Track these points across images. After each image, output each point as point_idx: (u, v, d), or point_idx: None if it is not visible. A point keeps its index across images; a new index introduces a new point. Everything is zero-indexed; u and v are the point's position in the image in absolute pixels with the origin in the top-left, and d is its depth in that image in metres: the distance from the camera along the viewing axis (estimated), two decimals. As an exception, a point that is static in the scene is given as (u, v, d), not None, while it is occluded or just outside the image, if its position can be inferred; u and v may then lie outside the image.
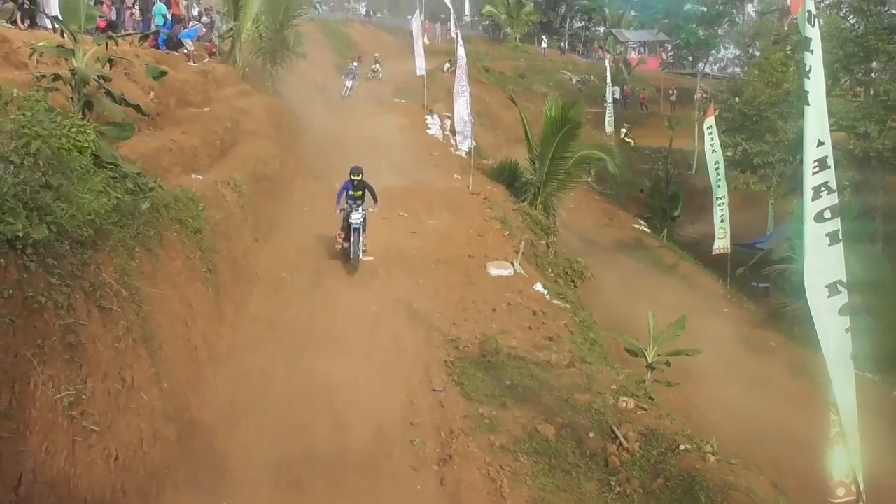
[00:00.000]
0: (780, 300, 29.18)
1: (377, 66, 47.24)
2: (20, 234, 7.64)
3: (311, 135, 30.15)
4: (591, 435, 13.35)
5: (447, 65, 49.39)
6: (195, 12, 31.70)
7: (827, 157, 9.22)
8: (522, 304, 19.71)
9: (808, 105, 9.36)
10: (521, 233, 23.91)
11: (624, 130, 54.40)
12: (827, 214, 9.26)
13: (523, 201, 26.87)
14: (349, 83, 41.99)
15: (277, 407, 13.19)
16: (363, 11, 74.95)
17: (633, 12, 74.72)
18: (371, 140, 30.00)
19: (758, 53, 45.47)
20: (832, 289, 9.29)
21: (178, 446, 10.67)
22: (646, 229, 40.28)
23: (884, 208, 36.42)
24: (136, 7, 25.98)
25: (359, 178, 19.17)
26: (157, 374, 10.54)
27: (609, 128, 51.45)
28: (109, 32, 17.38)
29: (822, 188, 9.27)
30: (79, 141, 10.18)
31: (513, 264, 21.56)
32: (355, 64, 43.96)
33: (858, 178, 34.73)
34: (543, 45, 76.82)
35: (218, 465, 11.21)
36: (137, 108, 14.29)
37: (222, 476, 11.07)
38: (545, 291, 21.23)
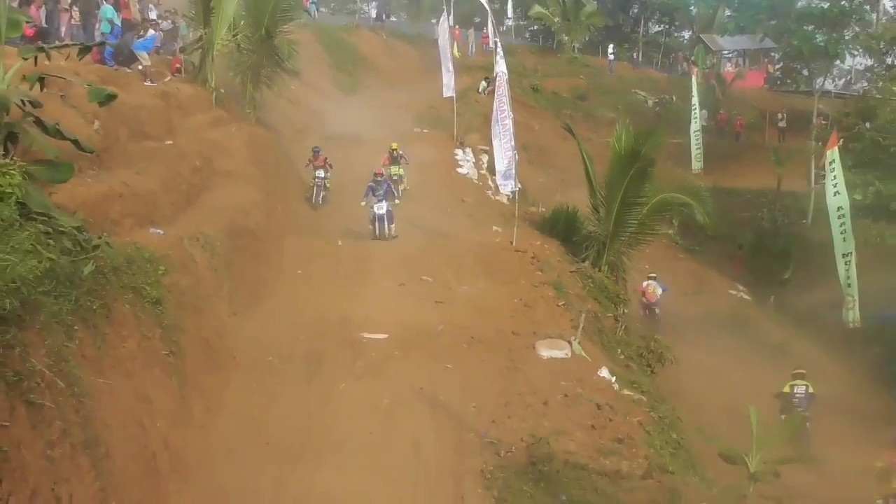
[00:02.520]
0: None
1: (398, 168, 35.21)
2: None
3: (304, 177, 30.28)
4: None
5: (483, 83, 49.27)
6: (153, 15, 31.30)
7: None
8: (583, 396, 19.62)
9: None
10: (580, 302, 23.85)
11: None
12: None
13: (584, 261, 26.79)
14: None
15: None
16: (373, 14, 74.22)
17: (728, 12, 73.80)
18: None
19: None
20: None
21: None
22: (746, 297, 39.93)
23: None
24: (76, 8, 25.73)
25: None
26: (104, 492, 10.51)
27: (696, 164, 51.09)
28: (40, 43, 16.92)
29: None
30: (-1, 186, 10.20)
31: (570, 343, 21.48)
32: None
33: None
34: (611, 56, 75.05)
35: None
36: (76, 142, 13.99)
37: None
38: (613, 379, 21.11)
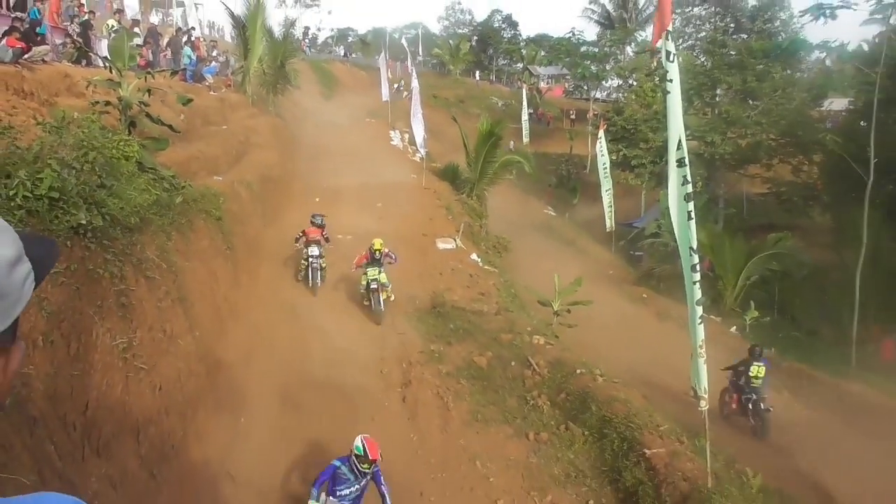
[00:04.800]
0: (650, 264, 29.58)
1: (378, 271, 15.89)
2: (82, 223, 7.57)
3: (303, 147, 29.77)
4: (513, 364, 13.54)
5: (396, 85, 49.85)
6: (214, 53, 30.99)
7: (684, 157, 9.47)
8: (462, 269, 19.79)
9: (670, 120, 9.63)
10: (460, 217, 23.87)
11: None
12: (687, 198, 9.54)
13: (462, 194, 26.76)
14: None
15: (281, 349, 13.15)
16: (342, 53, 73.60)
17: (542, 53, 74.82)
18: (349, 149, 29.70)
19: (634, 83, 45.58)
20: (690, 252, 9.61)
21: (207, 379, 10.62)
22: (553, 213, 40.40)
23: (724, 196, 37.05)
24: (169, 50, 25.34)
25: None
26: (190, 326, 10.45)
27: (525, 139, 51.23)
28: (148, 69, 16.96)
29: (684, 179, 9.55)
30: (125, 151, 10.02)
31: (455, 240, 21.56)
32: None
33: (706, 175, 35.23)
34: (477, 77, 75.89)
35: (237, 393, 11.16)
36: (170, 126, 14.19)
37: (241, 401, 11.03)
38: (479, 260, 21.29)
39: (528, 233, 30.87)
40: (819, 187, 32.95)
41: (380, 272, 15.19)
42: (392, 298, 15.48)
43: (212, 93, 24.83)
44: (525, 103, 53.17)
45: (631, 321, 21.73)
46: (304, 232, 16.58)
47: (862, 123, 28.59)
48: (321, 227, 16.78)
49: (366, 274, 15.32)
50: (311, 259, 16.31)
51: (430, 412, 11.84)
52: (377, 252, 15.31)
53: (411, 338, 14.56)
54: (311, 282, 16.33)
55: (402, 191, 24.78)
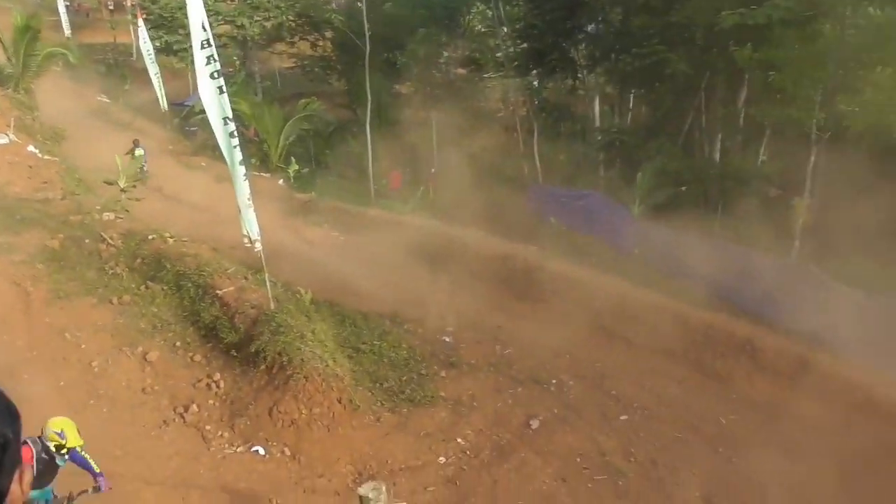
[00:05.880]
0: (204, 137, 29.24)
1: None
2: None
3: None
4: (87, 241, 13.12)
5: None
6: None
7: (209, 38, 9.90)
8: (20, 162, 17.98)
9: (190, 7, 9.88)
10: (10, 112, 20.99)
11: None
12: (215, 75, 9.98)
13: (8, 89, 23.40)
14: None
15: None
16: None
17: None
18: None
19: None
20: (225, 121, 10.17)
21: None
22: (107, 100, 36.48)
23: (259, 72, 37.29)
24: None
25: None
26: None
27: (67, 31, 44.41)
28: None
29: (210, 59, 9.95)
30: None
31: (7, 135, 19.14)
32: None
33: (242, 54, 35.20)
34: None
35: None
36: None
37: None
38: (37, 151, 19.33)
39: (85, 120, 28.03)
40: (333, 59, 35.96)
41: None
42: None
43: None
44: (62, -4, 45.84)
45: (193, 187, 21.62)
46: None
47: (358, 4, 30.95)
48: None
49: None
50: None
51: (9, 300, 10.99)
52: None
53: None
54: None
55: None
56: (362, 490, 6.37)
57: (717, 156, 22.83)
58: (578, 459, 9.82)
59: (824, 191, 18.32)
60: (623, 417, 11.19)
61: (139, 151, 21.17)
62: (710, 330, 13.30)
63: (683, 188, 21.80)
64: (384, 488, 6.30)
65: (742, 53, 19.51)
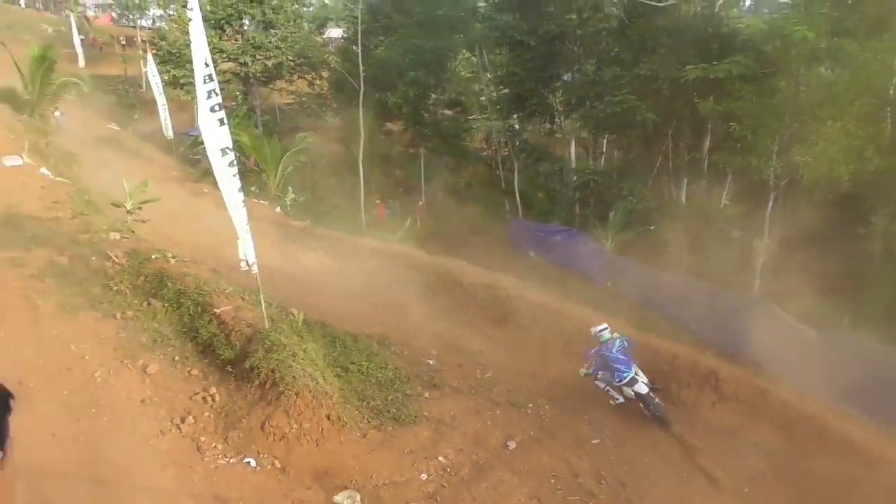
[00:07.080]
0: (207, 165, 29.08)
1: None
2: None
3: None
4: (94, 258, 13.02)
5: None
6: None
7: (211, 74, 9.89)
8: (32, 183, 17.54)
9: (194, 43, 9.92)
10: (25, 136, 21.06)
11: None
12: (216, 108, 9.95)
13: (24, 115, 23.63)
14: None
15: None
16: None
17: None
18: None
19: (174, 13, 41.56)
20: (224, 151, 10.12)
21: None
22: (117, 128, 36.35)
23: (260, 106, 37.50)
24: None
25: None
26: None
27: (81, 63, 44.37)
28: None
29: (212, 93, 9.91)
30: None
31: (21, 157, 19.02)
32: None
33: (245, 90, 35.57)
34: (22, 5, 62.37)
35: None
36: None
37: None
38: (49, 173, 19.17)
39: (96, 146, 27.81)
40: (329, 97, 36.42)
41: None
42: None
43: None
44: (76, 29, 46.10)
45: (196, 212, 21.51)
46: None
47: (353, 48, 31.36)
48: None
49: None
50: None
51: (19, 312, 10.79)
52: None
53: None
54: None
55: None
56: (338, 498, 6.33)
57: (684, 198, 23.28)
58: (552, 480, 9.74)
59: (781, 233, 18.68)
60: (595, 441, 11.16)
61: (57, 114, 25.71)
62: (675, 360, 13.35)
63: (652, 227, 22.18)
64: (358, 498, 6.25)
65: (705, 104, 20.04)
